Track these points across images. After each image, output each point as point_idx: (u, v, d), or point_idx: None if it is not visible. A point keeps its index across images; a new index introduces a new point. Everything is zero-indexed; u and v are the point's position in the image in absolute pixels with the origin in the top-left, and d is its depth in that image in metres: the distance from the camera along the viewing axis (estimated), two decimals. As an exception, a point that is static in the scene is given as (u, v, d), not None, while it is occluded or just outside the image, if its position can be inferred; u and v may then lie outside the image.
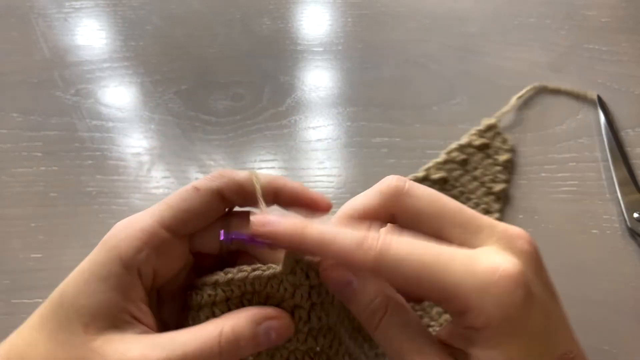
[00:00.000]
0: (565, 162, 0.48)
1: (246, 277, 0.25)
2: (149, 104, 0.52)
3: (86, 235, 0.44)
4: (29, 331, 0.25)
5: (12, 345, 0.25)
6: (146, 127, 0.51)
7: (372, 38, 0.58)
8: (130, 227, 0.25)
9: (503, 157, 0.47)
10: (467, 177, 0.46)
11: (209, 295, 0.26)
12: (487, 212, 0.44)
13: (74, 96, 0.53)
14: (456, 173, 0.46)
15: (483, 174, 0.46)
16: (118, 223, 0.26)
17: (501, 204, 0.45)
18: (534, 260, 0.23)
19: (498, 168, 0.46)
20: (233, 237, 0.26)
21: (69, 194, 0.46)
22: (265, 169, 0.48)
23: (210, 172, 0.47)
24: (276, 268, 0.25)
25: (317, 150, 0.50)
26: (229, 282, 0.25)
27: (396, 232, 0.23)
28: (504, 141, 0.48)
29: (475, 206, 0.45)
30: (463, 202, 0.40)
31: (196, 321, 0.26)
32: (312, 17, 0.60)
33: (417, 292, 0.23)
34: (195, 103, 0.52)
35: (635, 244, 0.44)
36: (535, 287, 0.22)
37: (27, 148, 0.49)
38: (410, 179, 0.28)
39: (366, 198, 0.25)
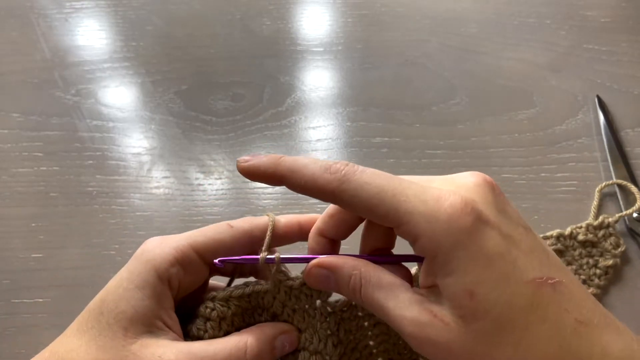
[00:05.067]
0: (565, 162, 0.48)
1: (243, 293, 0.29)
2: (149, 104, 0.52)
3: (86, 235, 0.44)
4: (69, 339, 0.26)
5: (52, 352, 0.26)
6: (146, 127, 0.51)
7: (372, 38, 0.58)
8: (166, 244, 0.28)
9: (607, 262, 0.42)
10: None
11: (217, 310, 0.28)
12: None
13: (75, 96, 0.53)
14: None
15: (575, 272, 0.41)
16: (152, 239, 0.28)
17: None
18: (487, 191, 0.24)
19: (597, 271, 0.42)
20: (226, 260, 0.29)
21: (70, 194, 0.47)
22: (265, 169, 0.48)
23: (211, 172, 0.48)
24: (265, 285, 0.29)
25: (317, 150, 0.50)
26: (229, 298, 0.29)
27: (359, 166, 0.25)
28: (616, 245, 0.42)
29: None
30: None
31: (202, 331, 0.28)
32: (312, 17, 0.60)
33: (375, 218, 0.24)
34: (195, 103, 0.52)
35: (635, 244, 0.44)
36: (489, 213, 0.23)
37: (28, 148, 0.49)
38: None
39: (308, 171, 0.27)
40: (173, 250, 0.27)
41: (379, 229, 0.28)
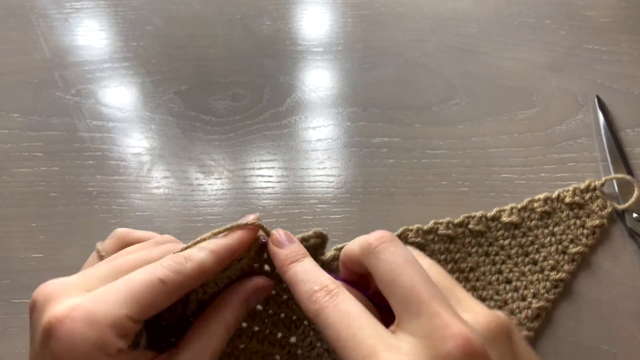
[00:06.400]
0: (565, 162, 0.48)
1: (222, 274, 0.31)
2: (149, 104, 0.52)
3: (87, 235, 0.44)
4: None
5: None
6: (146, 127, 0.51)
7: (372, 38, 0.58)
8: (100, 322, 0.25)
9: (593, 221, 0.43)
10: (543, 230, 0.43)
11: (208, 292, 0.31)
12: (554, 269, 0.41)
13: (75, 96, 0.53)
14: (532, 223, 0.43)
15: (563, 232, 0.43)
16: (76, 310, 0.25)
17: (574, 266, 0.42)
18: None
19: (584, 231, 0.43)
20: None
21: (70, 194, 0.47)
22: (265, 168, 0.48)
23: (211, 172, 0.48)
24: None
25: (317, 150, 0.50)
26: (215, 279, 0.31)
27: (340, 296, 0.26)
28: (602, 206, 0.44)
29: (544, 260, 0.42)
30: (532, 253, 0.42)
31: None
32: (312, 17, 0.60)
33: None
34: (195, 103, 0.52)
35: (635, 244, 0.44)
36: None
37: (28, 148, 0.49)
38: (478, 216, 0.39)
39: (351, 245, 0.29)
40: (110, 328, 0.25)
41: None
